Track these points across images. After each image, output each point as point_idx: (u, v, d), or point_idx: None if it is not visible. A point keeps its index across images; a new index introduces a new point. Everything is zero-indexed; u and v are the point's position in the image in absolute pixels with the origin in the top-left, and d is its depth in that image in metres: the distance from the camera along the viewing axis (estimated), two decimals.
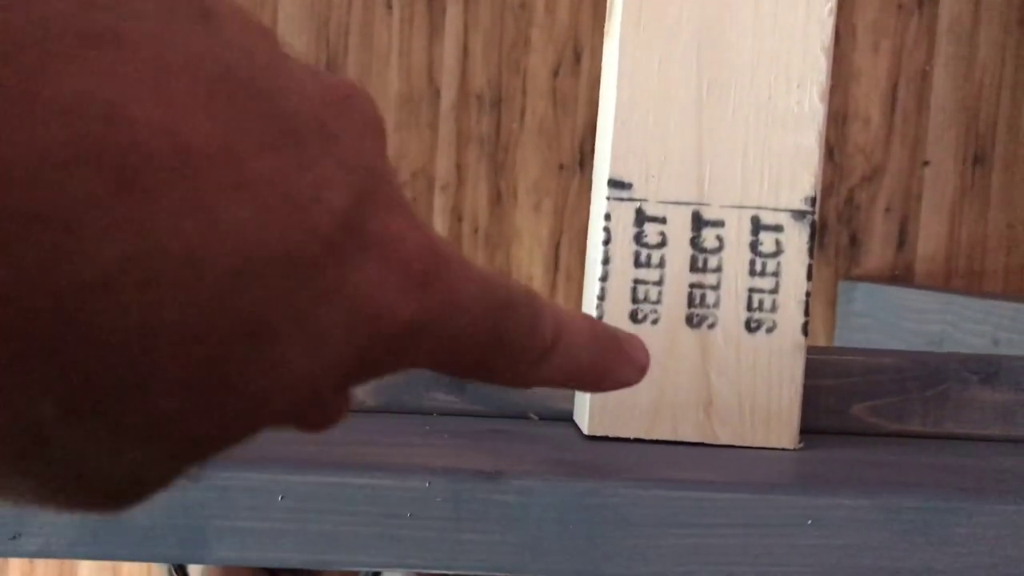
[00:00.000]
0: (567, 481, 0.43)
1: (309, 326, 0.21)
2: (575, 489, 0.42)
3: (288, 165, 0.20)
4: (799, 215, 0.50)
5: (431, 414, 0.54)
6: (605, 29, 0.54)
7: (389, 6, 1.25)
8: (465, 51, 1.26)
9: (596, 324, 0.28)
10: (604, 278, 0.49)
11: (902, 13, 1.23)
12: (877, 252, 1.23)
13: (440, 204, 1.26)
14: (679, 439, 0.50)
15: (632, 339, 0.28)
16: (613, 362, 0.27)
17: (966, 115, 1.24)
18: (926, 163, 1.24)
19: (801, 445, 0.50)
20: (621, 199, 0.49)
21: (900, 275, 1.23)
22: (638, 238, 0.49)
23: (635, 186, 0.49)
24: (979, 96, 1.24)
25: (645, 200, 0.49)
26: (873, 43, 1.23)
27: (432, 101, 1.26)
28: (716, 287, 0.49)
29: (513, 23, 1.26)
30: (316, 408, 0.24)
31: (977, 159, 1.24)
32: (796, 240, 0.50)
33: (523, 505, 0.42)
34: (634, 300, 0.49)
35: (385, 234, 0.22)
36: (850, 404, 0.55)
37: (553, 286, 1.26)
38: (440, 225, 1.25)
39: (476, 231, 1.26)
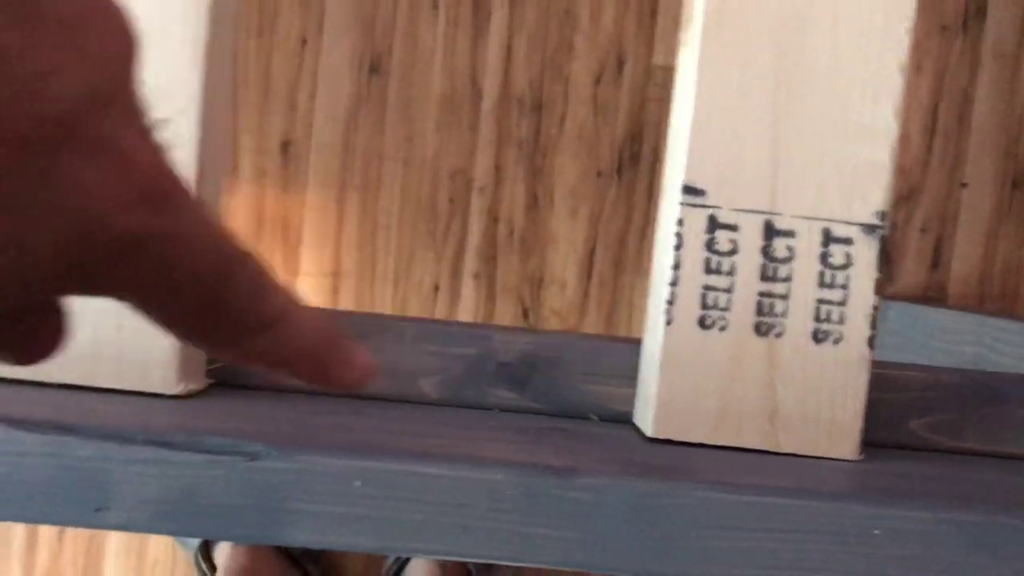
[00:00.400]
0: (637, 481, 0.43)
1: (16, 209, 0.20)
2: (645, 489, 0.43)
3: (18, 41, 0.20)
4: (869, 229, 0.50)
5: (492, 409, 0.55)
6: (680, 38, 0.54)
7: (435, 7, 1.25)
8: (508, 54, 1.27)
9: (326, 322, 0.27)
10: (674, 283, 0.50)
11: (946, 34, 1.23)
12: (911, 271, 1.24)
13: (477, 205, 1.26)
14: (742, 445, 0.50)
15: (355, 346, 0.28)
16: (333, 360, 0.27)
17: (1006, 138, 1.24)
18: (964, 184, 1.24)
19: (862, 456, 0.50)
20: (694, 205, 0.50)
21: (933, 295, 1.23)
22: (709, 245, 0.50)
23: (708, 193, 0.50)
24: (1020, 120, 1.24)
25: (718, 207, 0.50)
26: (916, 63, 1.23)
27: (473, 102, 1.26)
28: (785, 297, 0.50)
29: (557, 29, 1.26)
30: (26, 320, 0.23)
31: (1016, 183, 1.24)
32: (866, 254, 0.50)
33: (593, 503, 0.43)
34: (703, 306, 0.50)
35: (119, 142, 0.22)
36: (908, 419, 0.55)
37: (586, 293, 1.26)
38: (476, 226, 1.26)
39: (511, 233, 1.26)
